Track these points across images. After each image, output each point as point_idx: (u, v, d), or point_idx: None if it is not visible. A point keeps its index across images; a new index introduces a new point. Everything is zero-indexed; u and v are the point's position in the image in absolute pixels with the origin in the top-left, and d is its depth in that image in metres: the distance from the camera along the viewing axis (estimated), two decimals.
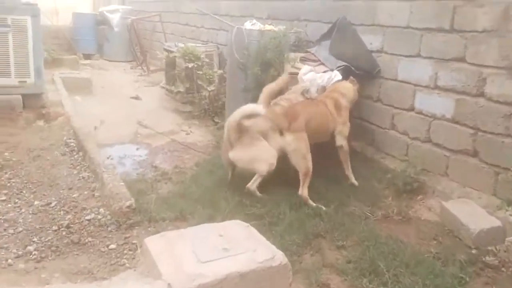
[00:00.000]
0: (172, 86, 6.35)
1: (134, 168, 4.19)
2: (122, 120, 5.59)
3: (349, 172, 3.76)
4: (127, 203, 2.85)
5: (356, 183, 3.72)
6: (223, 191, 3.50)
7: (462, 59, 3.47)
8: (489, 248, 2.83)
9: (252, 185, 3.42)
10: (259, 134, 3.43)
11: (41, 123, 5.00)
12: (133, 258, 2.44)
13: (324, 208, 3.26)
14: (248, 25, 5.07)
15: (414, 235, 3.05)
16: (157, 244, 2.21)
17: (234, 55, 4.85)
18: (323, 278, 2.54)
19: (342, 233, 2.97)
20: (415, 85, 3.92)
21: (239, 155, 3.44)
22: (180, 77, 6.18)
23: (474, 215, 3.09)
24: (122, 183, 3.09)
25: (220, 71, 6.07)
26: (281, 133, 3.38)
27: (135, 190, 3.42)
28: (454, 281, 2.49)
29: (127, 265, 2.43)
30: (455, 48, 3.52)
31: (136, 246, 2.59)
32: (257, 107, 3.43)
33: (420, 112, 3.90)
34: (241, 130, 3.42)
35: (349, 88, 3.93)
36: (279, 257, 2.15)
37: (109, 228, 2.81)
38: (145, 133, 5.24)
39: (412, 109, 3.98)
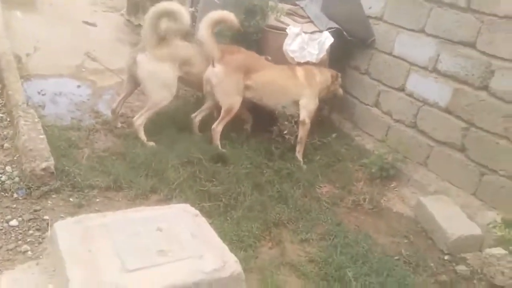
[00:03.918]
0: (133, 17, 5.43)
1: (70, 110, 3.48)
2: (67, 48, 4.72)
3: (299, 155, 3.33)
4: (43, 165, 2.16)
5: (304, 167, 3.25)
6: (175, 155, 2.91)
7: (472, 45, 3.02)
8: (462, 255, 2.67)
9: (138, 119, 3.14)
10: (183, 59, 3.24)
11: None
12: (40, 243, 1.83)
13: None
14: None
15: (385, 230, 2.84)
16: (70, 233, 1.65)
17: None
18: (279, 280, 2.19)
19: (307, 223, 2.70)
20: (411, 63, 3.47)
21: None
22: (144, 8, 5.26)
23: (453, 217, 2.84)
24: (42, 136, 2.36)
25: (191, 9, 5.23)
26: (212, 64, 3.14)
27: (64, 140, 2.81)
28: None
29: (29, 253, 1.82)
30: (467, 30, 3.05)
31: (47, 224, 1.97)
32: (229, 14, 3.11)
33: (410, 94, 3.49)
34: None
35: (327, 75, 3.52)
36: (231, 265, 1.73)
37: (15, 195, 2.14)
38: (92, 67, 4.45)
39: (402, 89, 3.56)
